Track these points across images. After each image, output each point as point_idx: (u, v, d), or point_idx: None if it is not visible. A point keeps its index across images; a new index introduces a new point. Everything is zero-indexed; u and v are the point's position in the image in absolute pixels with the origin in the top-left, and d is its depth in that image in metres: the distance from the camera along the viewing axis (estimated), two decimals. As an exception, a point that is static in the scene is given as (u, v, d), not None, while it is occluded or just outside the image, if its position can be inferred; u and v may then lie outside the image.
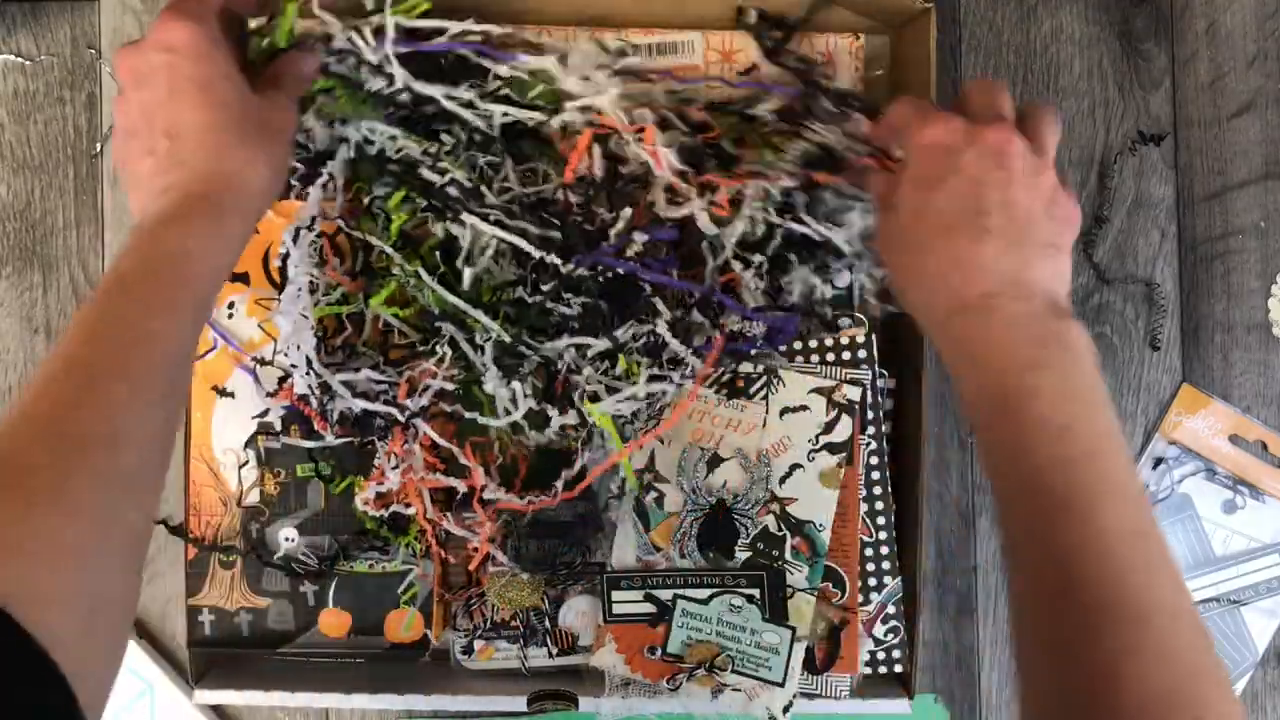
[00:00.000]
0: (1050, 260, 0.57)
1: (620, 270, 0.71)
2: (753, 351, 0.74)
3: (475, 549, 0.75)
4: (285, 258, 0.74)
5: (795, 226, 0.72)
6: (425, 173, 0.72)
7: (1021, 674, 0.52)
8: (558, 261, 0.70)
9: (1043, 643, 0.51)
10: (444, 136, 0.72)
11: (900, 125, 0.61)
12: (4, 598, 0.44)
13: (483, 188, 0.72)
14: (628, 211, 0.71)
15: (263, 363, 0.76)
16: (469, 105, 0.71)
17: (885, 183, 0.63)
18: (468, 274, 0.72)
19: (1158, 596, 0.49)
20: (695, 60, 0.78)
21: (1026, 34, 0.84)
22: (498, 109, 0.71)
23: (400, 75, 0.69)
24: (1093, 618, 0.49)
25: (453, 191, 0.71)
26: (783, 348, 0.75)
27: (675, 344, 0.72)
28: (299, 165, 0.74)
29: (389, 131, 0.71)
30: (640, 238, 0.71)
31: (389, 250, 0.73)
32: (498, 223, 0.71)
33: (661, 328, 0.72)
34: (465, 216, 0.71)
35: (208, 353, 0.76)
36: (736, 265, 0.73)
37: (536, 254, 0.70)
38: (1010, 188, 0.56)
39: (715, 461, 0.76)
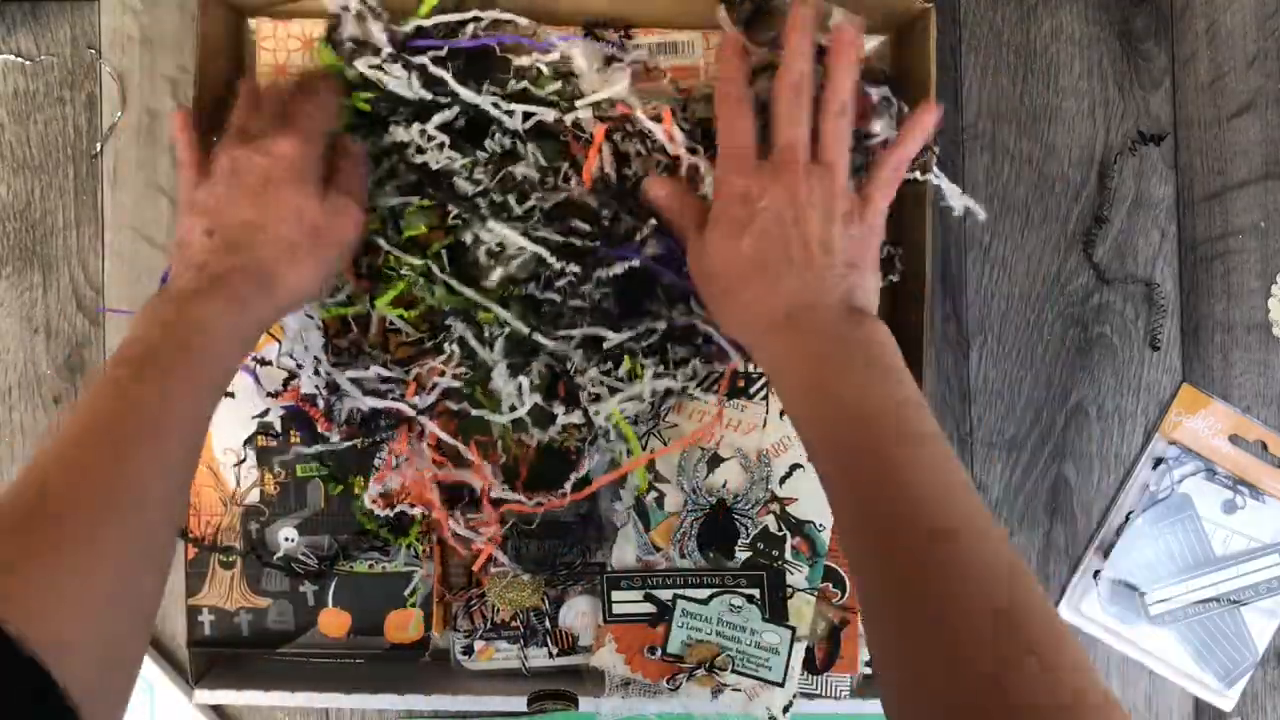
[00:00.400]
0: (849, 275, 0.64)
1: (635, 264, 0.71)
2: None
3: (478, 549, 0.75)
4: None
5: None
6: (460, 183, 0.72)
7: (861, 602, 0.57)
8: (576, 270, 0.71)
9: (865, 569, 0.56)
10: (479, 153, 0.73)
11: (719, 148, 0.68)
12: (33, 642, 0.45)
13: (509, 197, 0.72)
14: (653, 221, 0.71)
15: (263, 363, 0.76)
16: (494, 105, 0.72)
17: (696, 214, 0.68)
18: (497, 273, 0.72)
19: (959, 515, 0.54)
20: (695, 60, 0.78)
21: (1026, 34, 0.84)
22: (520, 108, 0.72)
23: (412, 75, 0.71)
24: (898, 538, 0.54)
25: (482, 202, 0.72)
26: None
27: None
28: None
29: (439, 139, 0.72)
30: (654, 247, 0.72)
31: (397, 252, 0.73)
32: (525, 233, 0.72)
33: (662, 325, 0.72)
34: (494, 225, 0.71)
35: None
36: None
37: (557, 265, 0.71)
38: (805, 224, 0.63)
39: (715, 461, 0.76)
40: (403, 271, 0.74)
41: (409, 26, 0.73)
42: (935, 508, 0.54)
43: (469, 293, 0.72)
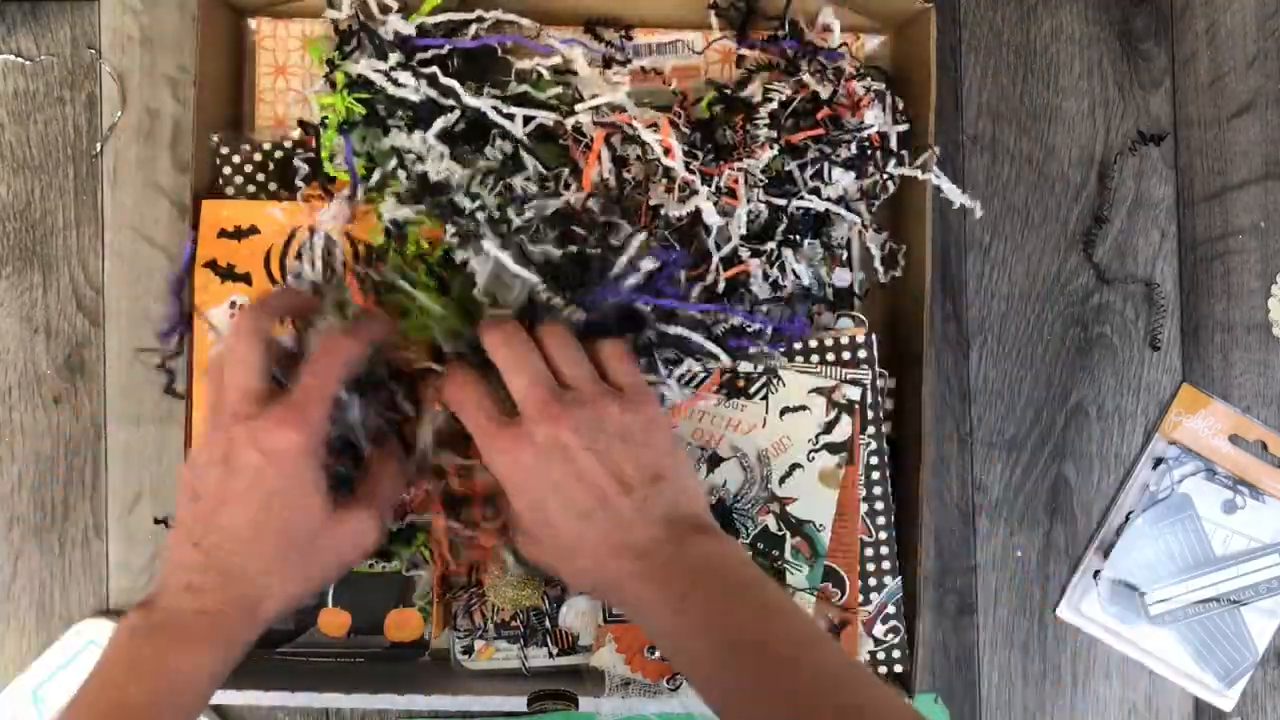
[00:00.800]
0: (659, 491, 0.61)
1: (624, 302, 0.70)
2: (751, 350, 0.75)
3: (478, 550, 0.74)
4: (298, 276, 0.75)
5: (796, 202, 0.73)
6: (457, 198, 0.72)
7: None
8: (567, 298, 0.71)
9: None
10: (480, 160, 0.73)
11: (476, 438, 0.64)
12: None
13: (509, 209, 0.72)
14: (638, 239, 0.70)
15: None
16: (495, 109, 0.72)
17: (507, 511, 0.66)
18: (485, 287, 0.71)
19: (863, 695, 0.56)
20: (695, 60, 0.78)
21: (1026, 34, 0.84)
22: (520, 112, 0.72)
23: (421, 83, 0.72)
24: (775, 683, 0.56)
25: (481, 216, 0.72)
26: (782, 348, 0.75)
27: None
28: (303, 165, 0.75)
29: (439, 149, 0.72)
30: (649, 265, 0.70)
31: (404, 285, 0.72)
32: (520, 248, 0.71)
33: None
34: (490, 246, 0.70)
35: (210, 351, 0.76)
36: (744, 253, 0.73)
37: (557, 301, 0.69)
38: (591, 474, 0.60)
39: (715, 461, 0.75)
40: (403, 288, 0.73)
41: (411, 27, 0.73)
42: (836, 695, 0.55)
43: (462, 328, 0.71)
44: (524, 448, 0.60)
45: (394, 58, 0.72)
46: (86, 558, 0.80)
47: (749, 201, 0.73)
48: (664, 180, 0.72)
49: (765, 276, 0.74)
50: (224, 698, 0.75)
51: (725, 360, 0.73)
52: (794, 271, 0.75)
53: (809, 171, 0.75)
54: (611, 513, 0.60)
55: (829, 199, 0.75)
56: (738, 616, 0.58)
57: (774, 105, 0.74)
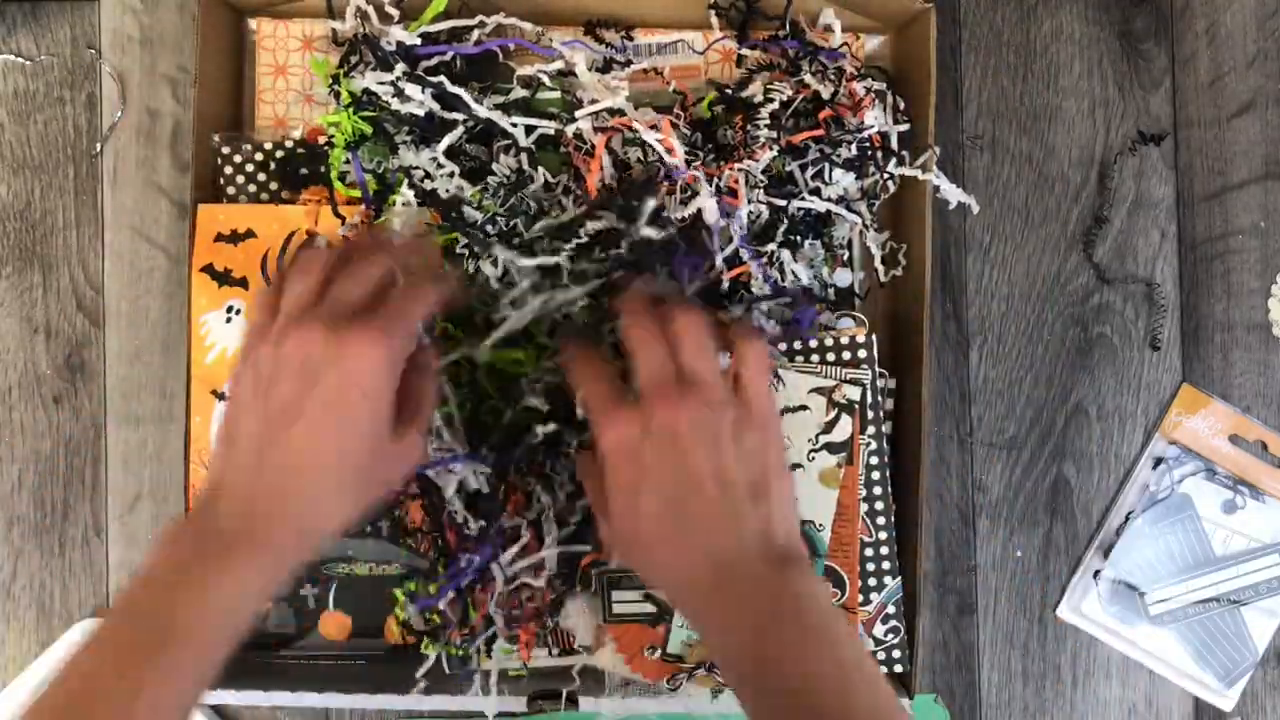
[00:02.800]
0: (757, 507, 0.60)
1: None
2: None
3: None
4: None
5: (797, 203, 0.73)
6: (467, 211, 0.73)
7: None
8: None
9: None
10: (490, 177, 0.74)
11: (588, 411, 0.63)
12: None
13: (518, 221, 0.73)
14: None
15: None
16: (500, 117, 0.73)
17: (598, 494, 0.64)
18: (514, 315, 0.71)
19: None
20: (695, 60, 0.78)
21: (1026, 34, 0.84)
22: (523, 121, 0.73)
23: (426, 94, 0.72)
24: None
25: (491, 229, 0.72)
26: (783, 346, 0.75)
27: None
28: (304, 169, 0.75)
29: (448, 166, 0.73)
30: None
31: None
32: (539, 267, 0.72)
33: None
34: (499, 252, 0.71)
35: (207, 356, 0.76)
36: (745, 254, 0.73)
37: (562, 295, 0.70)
38: (695, 466, 0.59)
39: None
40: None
41: (414, 36, 0.73)
42: None
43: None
44: (636, 427, 0.59)
45: (399, 68, 0.72)
46: (86, 558, 0.80)
47: (750, 202, 0.73)
48: (665, 182, 0.72)
49: (765, 277, 0.74)
50: (224, 698, 0.75)
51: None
52: (794, 273, 0.75)
53: (809, 172, 0.75)
54: (705, 513, 0.59)
55: (829, 199, 0.75)
56: (814, 668, 0.56)
57: (775, 105, 0.74)
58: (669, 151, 0.71)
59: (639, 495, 0.59)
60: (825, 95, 0.74)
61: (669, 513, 0.59)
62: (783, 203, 0.74)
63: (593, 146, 0.73)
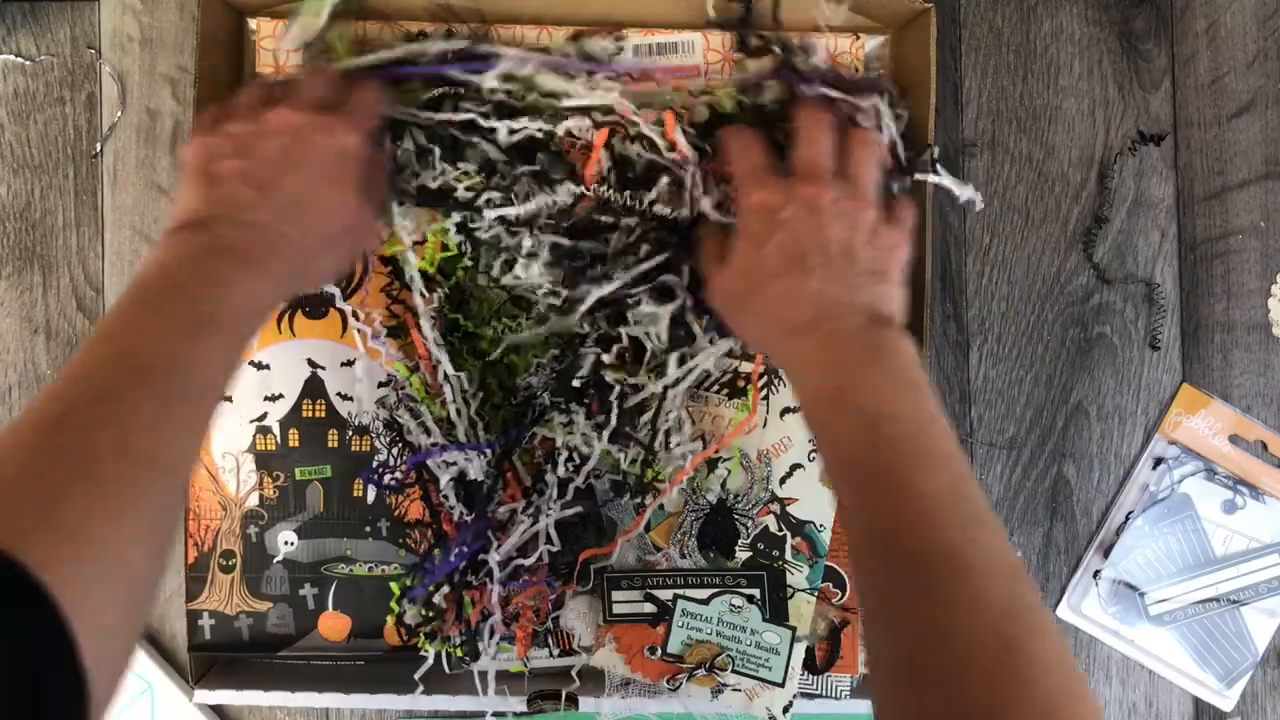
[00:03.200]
0: (873, 284, 0.63)
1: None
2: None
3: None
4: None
5: None
6: (459, 195, 0.73)
7: (864, 630, 0.57)
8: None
9: (872, 593, 0.56)
10: (462, 165, 0.74)
11: (733, 176, 0.68)
12: (57, 583, 0.44)
13: (512, 195, 0.73)
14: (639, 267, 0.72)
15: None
16: (474, 126, 0.72)
17: (717, 244, 0.68)
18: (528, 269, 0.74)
19: (976, 551, 0.53)
20: (695, 60, 0.78)
21: (1026, 34, 0.84)
22: (503, 125, 0.72)
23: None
24: (914, 571, 0.53)
25: (489, 210, 0.73)
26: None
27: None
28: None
29: (433, 154, 0.73)
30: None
31: (437, 354, 0.74)
32: (533, 253, 0.73)
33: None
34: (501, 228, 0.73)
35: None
36: None
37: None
38: (825, 231, 0.62)
39: (715, 461, 0.76)
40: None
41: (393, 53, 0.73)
42: (951, 544, 0.53)
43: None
44: (781, 194, 0.64)
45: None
46: (86, 558, 0.80)
47: None
48: (664, 179, 0.72)
49: None
50: (224, 698, 0.75)
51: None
52: None
53: None
54: (825, 270, 0.62)
55: None
56: (894, 408, 0.58)
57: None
58: (672, 146, 0.71)
59: (766, 245, 0.63)
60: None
61: (792, 261, 0.62)
62: None
63: (589, 144, 0.73)
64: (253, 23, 0.79)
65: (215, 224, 0.60)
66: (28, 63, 0.81)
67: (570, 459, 0.74)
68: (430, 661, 0.75)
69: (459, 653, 0.76)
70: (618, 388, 0.73)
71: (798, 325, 0.62)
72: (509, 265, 0.74)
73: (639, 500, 0.75)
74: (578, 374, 0.73)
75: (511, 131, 0.72)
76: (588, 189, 0.72)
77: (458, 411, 0.74)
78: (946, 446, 0.57)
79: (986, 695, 0.49)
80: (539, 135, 0.73)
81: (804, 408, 0.63)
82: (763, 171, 0.66)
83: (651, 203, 0.72)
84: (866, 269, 0.62)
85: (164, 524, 0.53)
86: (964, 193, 0.73)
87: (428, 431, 0.75)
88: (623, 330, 0.73)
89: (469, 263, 0.75)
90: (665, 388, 0.73)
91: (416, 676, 0.75)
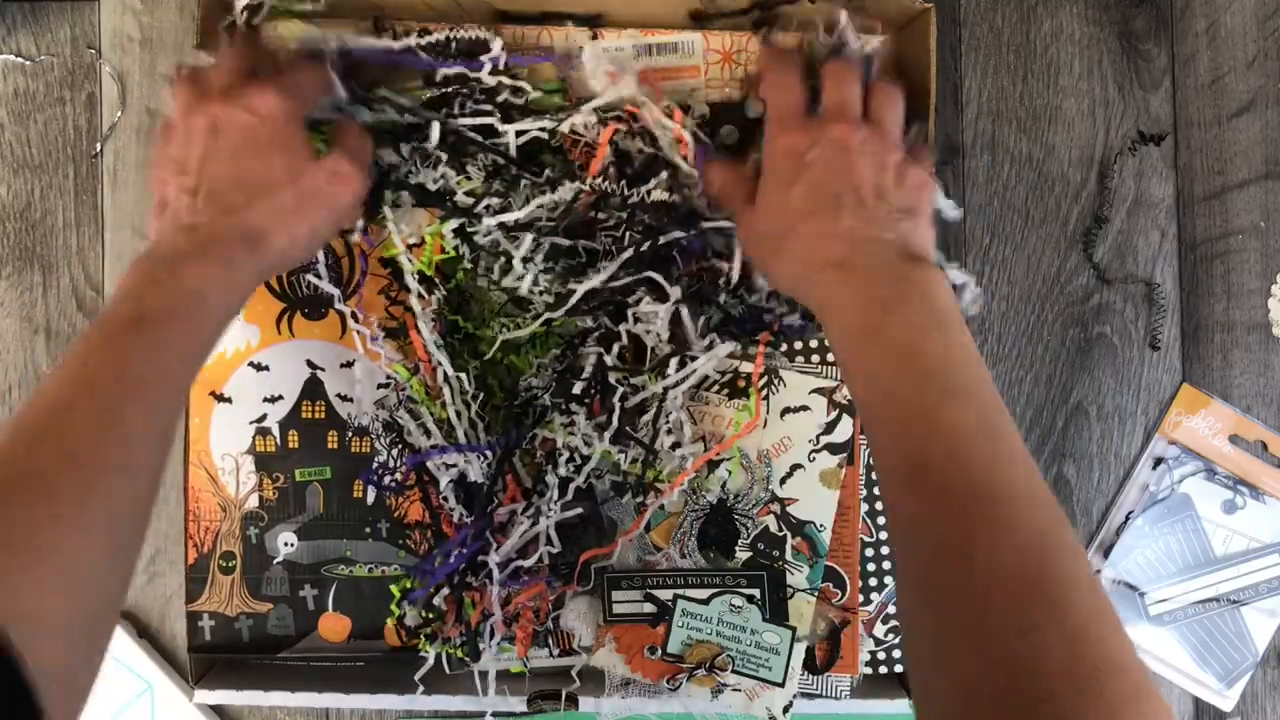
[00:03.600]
0: (903, 221, 0.63)
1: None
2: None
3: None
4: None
5: None
6: (460, 198, 0.74)
7: (894, 560, 0.58)
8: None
9: (901, 525, 0.55)
10: (469, 168, 0.74)
11: (768, 116, 0.68)
12: (8, 616, 0.45)
13: (512, 202, 0.73)
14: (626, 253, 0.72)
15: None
16: (484, 129, 0.73)
17: (742, 187, 0.69)
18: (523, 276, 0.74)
19: (1004, 480, 0.53)
20: (695, 60, 0.78)
21: (1026, 34, 0.84)
22: (511, 129, 0.73)
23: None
24: (941, 499, 0.53)
25: (488, 217, 0.73)
26: (784, 346, 0.75)
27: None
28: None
29: (435, 156, 0.73)
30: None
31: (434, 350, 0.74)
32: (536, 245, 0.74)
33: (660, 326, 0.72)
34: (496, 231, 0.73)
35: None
36: None
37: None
38: (855, 171, 0.63)
39: (716, 461, 0.75)
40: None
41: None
42: (978, 473, 0.53)
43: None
44: (808, 133, 0.65)
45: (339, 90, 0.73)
46: (86, 558, 0.80)
47: None
48: (664, 174, 0.72)
49: None
50: (224, 698, 0.75)
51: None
52: None
53: None
54: (855, 208, 0.62)
55: None
56: (925, 344, 0.58)
57: None
58: (679, 142, 0.71)
59: (794, 185, 0.64)
60: None
61: (823, 201, 0.63)
62: None
63: (590, 142, 0.73)
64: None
65: (160, 240, 0.62)
66: (28, 63, 0.81)
67: (571, 459, 0.74)
68: (430, 662, 0.75)
69: (459, 653, 0.76)
70: (620, 389, 0.73)
71: (829, 262, 0.62)
72: (507, 268, 0.74)
73: (640, 500, 0.75)
74: (579, 375, 0.73)
75: (519, 134, 0.73)
76: (591, 180, 0.72)
77: (457, 413, 0.74)
78: (977, 380, 0.57)
79: (1015, 616, 0.48)
80: (543, 135, 0.73)
81: (834, 344, 0.63)
82: (793, 114, 0.67)
83: (648, 191, 0.72)
84: (897, 206, 0.63)
85: (124, 525, 0.54)
86: (946, 208, 0.73)
87: (427, 433, 0.75)
88: (623, 328, 0.73)
89: (468, 264, 0.75)
90: (665, 388, 0.73)
91: (417, 677, 0.75)
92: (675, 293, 0.71)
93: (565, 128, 0.73)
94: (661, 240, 0.72)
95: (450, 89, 0.73)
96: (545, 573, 0.74)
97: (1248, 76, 0.84)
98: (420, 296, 0.74)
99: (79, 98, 0.81)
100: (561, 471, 0.73)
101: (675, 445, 0.75)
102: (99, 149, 0.81)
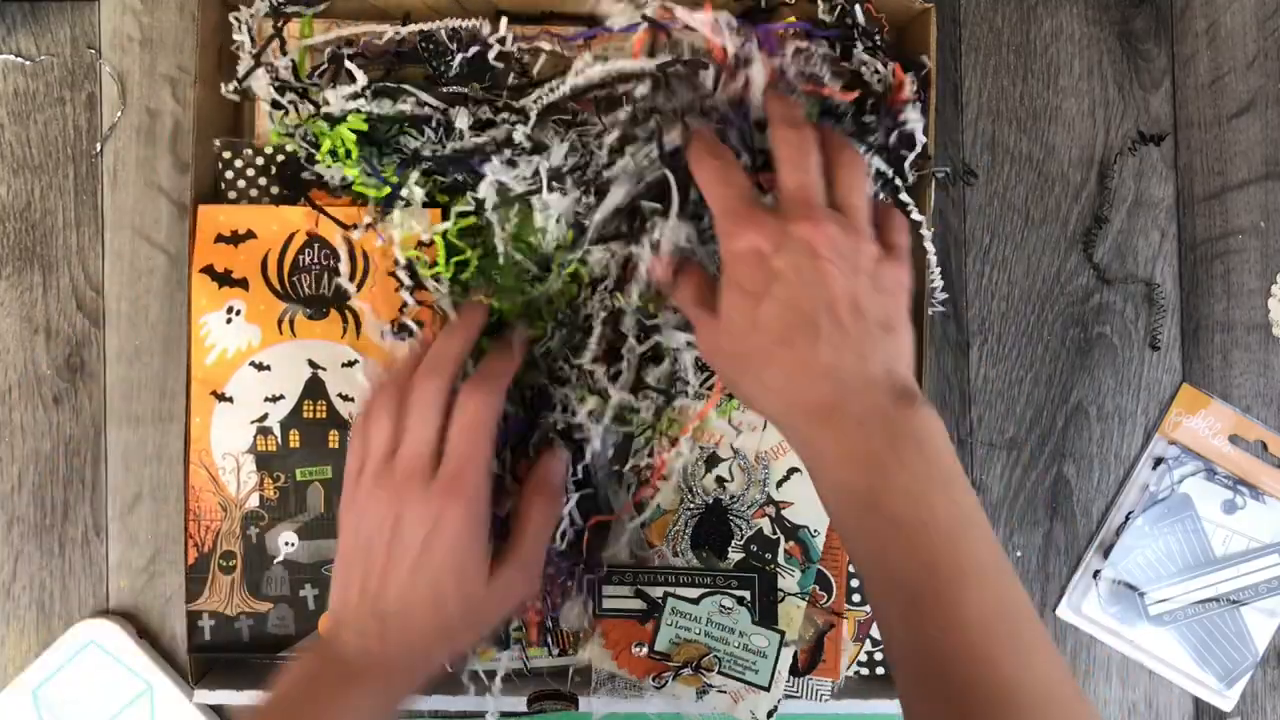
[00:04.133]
0: (886, 341, 0.57)
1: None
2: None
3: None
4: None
5: None
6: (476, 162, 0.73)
7: None
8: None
9: (913, 704, 0.53)
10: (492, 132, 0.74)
11: (715, 213, 0.61)
12: None
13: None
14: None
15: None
16: (505, 108, 0.74)
17: (698, 287, 0.63)
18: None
19: (1028, 680, 0.50)
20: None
21: (1026, 34, 0.84)
22: (528, 100, 0.73)
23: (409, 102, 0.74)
24: (965, 705, 0.50)
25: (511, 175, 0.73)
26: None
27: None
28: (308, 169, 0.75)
29: (461, 124, 0.74)
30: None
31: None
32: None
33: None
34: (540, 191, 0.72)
35: (207, 358, 0.76)
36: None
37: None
38: (828, 282, 0.56)
39: (714, 460, 0.76)
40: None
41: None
42: (1004, 670, 0.50)
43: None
44: (770, 233, 0.57)
45: (360, 81, 0.73)
46: (86, 558, 0.80)
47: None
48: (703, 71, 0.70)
49: None
50: (224, 698, 0.76)
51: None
52: None
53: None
54: (833, 333, 0.56)
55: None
56: (929, 510, 0.53)
57: (802, 44, 0.72)
58: (714, 34, 0.70)
59: (761, 302, 0.57)
60: (868, 75, 0.73)
61: (795, 325, 0.56)
62: None
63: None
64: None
65: (335, 643, 0.62)
66: (28, 63, 0.81)
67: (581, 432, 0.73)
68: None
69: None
70: (630, 338, 0.72)
71: (815, 408, 0.56)
72: (527, 222, 0.74)
73: (633, 485, 0.75)
74: (589, 330, 0.72)
75: (537, 100, 0.73)
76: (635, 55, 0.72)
77: None
78: (990, 553, 0.54)
79: None
80: (558, 101, 0.74)
81: (827, 503, 0.58)
82: (745, 204, 0.59)
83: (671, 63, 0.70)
84: (876, 321, 0.57)
85: None
86: (915, 215, 0.72)
87: None
88: (635, 250, 0.71)
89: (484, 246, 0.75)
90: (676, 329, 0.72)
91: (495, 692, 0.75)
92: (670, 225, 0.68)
93: (568, 88, 0.73)
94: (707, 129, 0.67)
95: (456, 85, 0.75)
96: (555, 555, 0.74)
97: (1248, 76, 0.84)
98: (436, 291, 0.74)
99: (79, 98, 0.81)
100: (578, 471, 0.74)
101: (686, 393, 0.74)
102: (99, 149, 0.81)
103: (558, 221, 0.73)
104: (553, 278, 0.73)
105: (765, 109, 0.62)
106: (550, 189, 0.72)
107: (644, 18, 0.71)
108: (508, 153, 0.72)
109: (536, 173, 0.72)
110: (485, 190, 0.73)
